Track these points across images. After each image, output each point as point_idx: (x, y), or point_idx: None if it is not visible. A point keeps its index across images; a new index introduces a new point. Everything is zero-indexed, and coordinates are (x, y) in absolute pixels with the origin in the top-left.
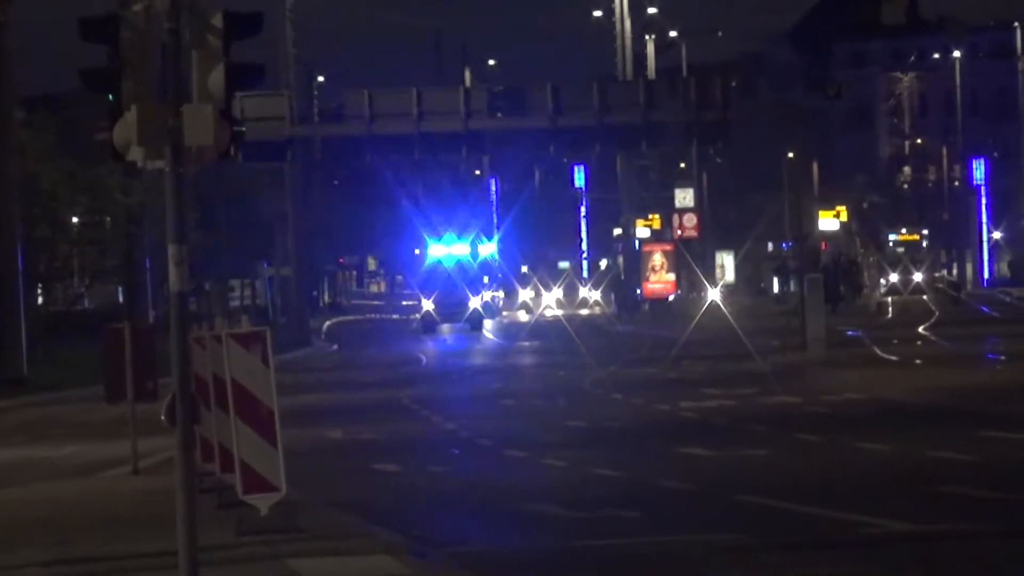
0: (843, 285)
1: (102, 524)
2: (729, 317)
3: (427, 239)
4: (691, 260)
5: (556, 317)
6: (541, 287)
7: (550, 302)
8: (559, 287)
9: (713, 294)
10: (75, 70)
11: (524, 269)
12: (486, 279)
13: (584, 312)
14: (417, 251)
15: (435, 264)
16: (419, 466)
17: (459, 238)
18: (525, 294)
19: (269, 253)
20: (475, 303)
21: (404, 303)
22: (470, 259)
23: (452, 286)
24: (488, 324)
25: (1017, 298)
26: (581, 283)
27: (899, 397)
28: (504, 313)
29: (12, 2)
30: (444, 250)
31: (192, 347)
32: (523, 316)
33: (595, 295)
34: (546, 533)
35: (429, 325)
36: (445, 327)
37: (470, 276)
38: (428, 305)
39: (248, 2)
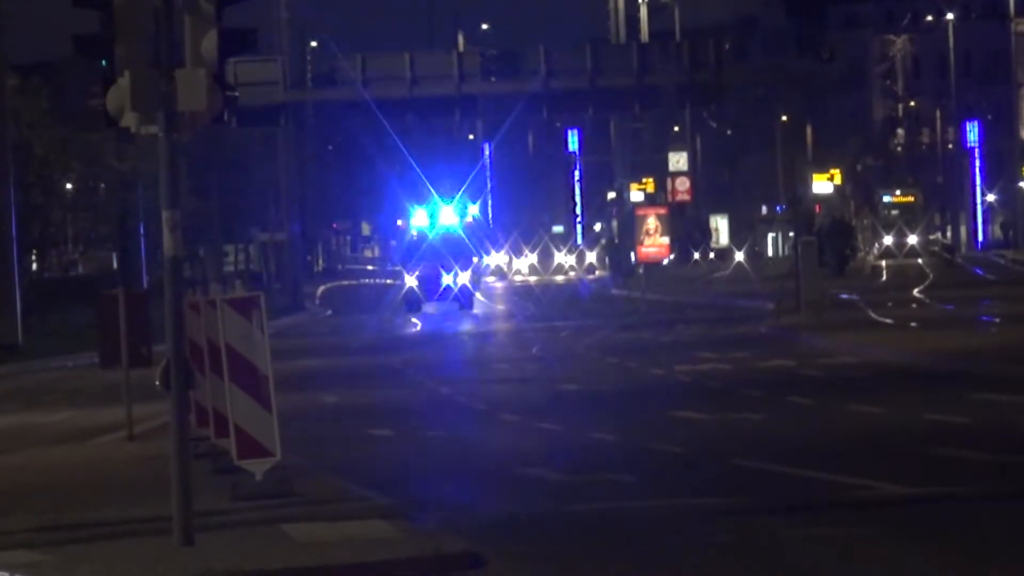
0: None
1: (97, 490)
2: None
3: (410, 207)
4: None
5: (525, 282)
6: (513, 253)
7: (521, 267)
8: (532, 252)
9: (739, 256)
10: (68, 37)
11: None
12: (476, 258)
13: (559, 278)
14: (400, 222)
15: (419, 235)
16: (414, 430)
17: (445, 203)
18: (498, 258)
19: (263, 218)
20: (464, 278)
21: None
22: (458, 228)
23: (438, 259)
24: (480, 297)
25: (1011, 260)
26: (568, 247)
27: (893, 360)
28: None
29: None
30: (428, 219)
31: (187, 312)
32: (495, 282)
33: (591, 257)
34: (541, 497)
35: (412, 304)
36: (430, 307)
37: (459, 247)
38: (411, 281)
39: None
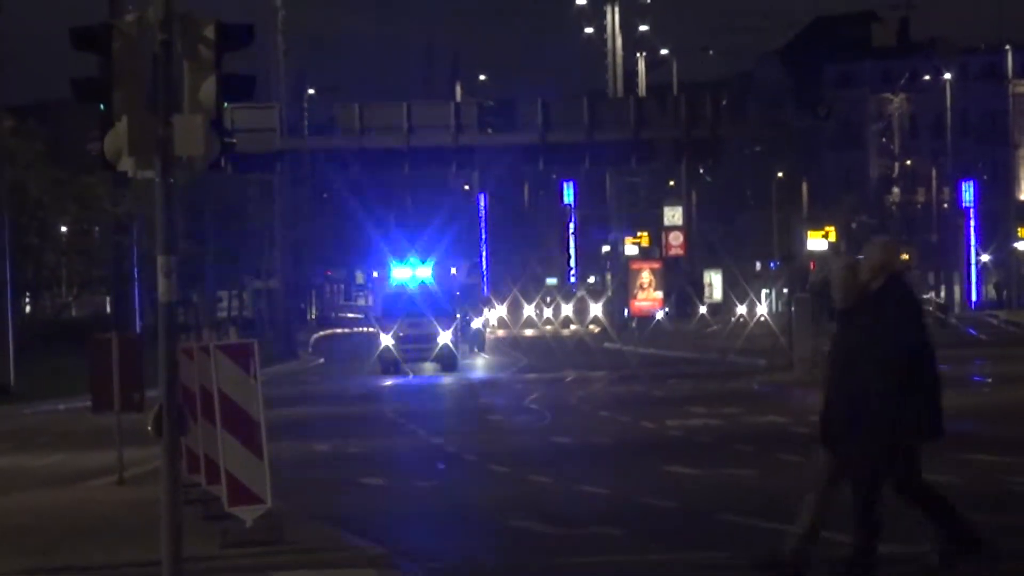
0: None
1: (86, 533)
2: (716, 336)
3: (390, 259)
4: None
5: (509, 334)
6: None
7: (492, 319)
8: (530, 304)
9: (761, 309)
10: (66, 79)
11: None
12: (459, 315)
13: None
14: (376, 273)
15: (398, 289)
16: (404, 480)
17: (423, 260)
18: (499, 311)
19: (257, 265)
20: (445, 338)
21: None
22: (431, 282)
23: (417, 315)
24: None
25: (1004, 321)
26: (548, 300)
27: None
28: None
29: (1, 10)
30: (409, 272)
31: (180, 358)
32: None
33: (598, 310)
34: (529, 549)
35: (388, 365)
36: (408, 368)
37: (438, 304)
38: (387, 340)
39: (240, 14)
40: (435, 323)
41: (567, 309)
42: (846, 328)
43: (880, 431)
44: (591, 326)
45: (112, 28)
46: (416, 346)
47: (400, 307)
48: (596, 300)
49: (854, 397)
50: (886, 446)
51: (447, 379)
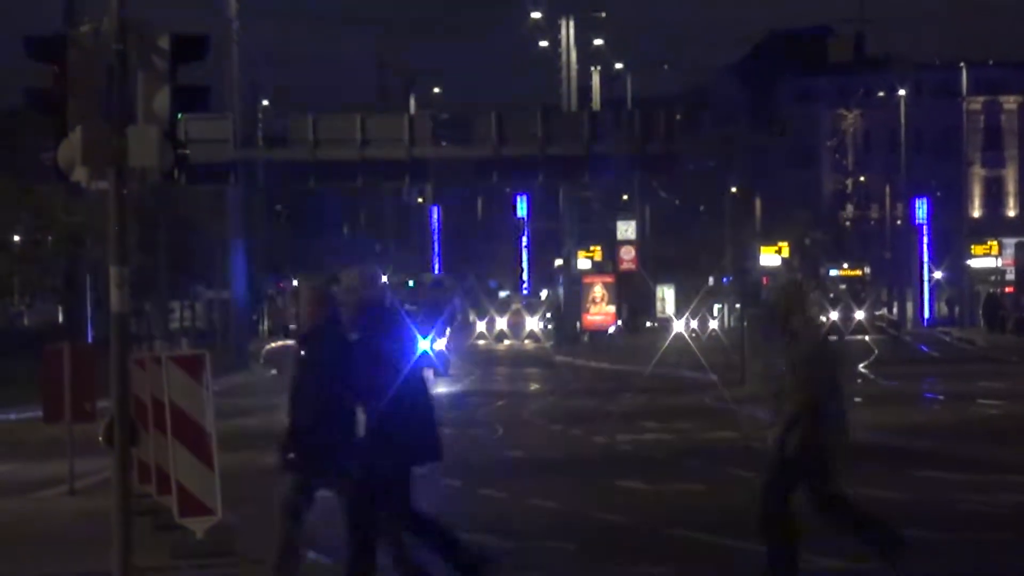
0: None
1: (37, 544)
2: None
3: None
4: (633, 293)
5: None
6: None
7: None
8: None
9: (713, 324)
10: (20, 88)
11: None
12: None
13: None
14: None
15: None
16: None
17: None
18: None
19: (210, 276)
20: (441, 344)
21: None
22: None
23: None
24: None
25: (956, 338)
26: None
27: None
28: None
29: None
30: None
31: (132, 369)
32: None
33: (535, 325)
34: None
35: None
36: None
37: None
38: None
39: (194, 25)
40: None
41: (501, 323)
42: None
43: None
44: (526, 341)
45: (67, 38)
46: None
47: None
48: (532, 314)
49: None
50: None
51: None
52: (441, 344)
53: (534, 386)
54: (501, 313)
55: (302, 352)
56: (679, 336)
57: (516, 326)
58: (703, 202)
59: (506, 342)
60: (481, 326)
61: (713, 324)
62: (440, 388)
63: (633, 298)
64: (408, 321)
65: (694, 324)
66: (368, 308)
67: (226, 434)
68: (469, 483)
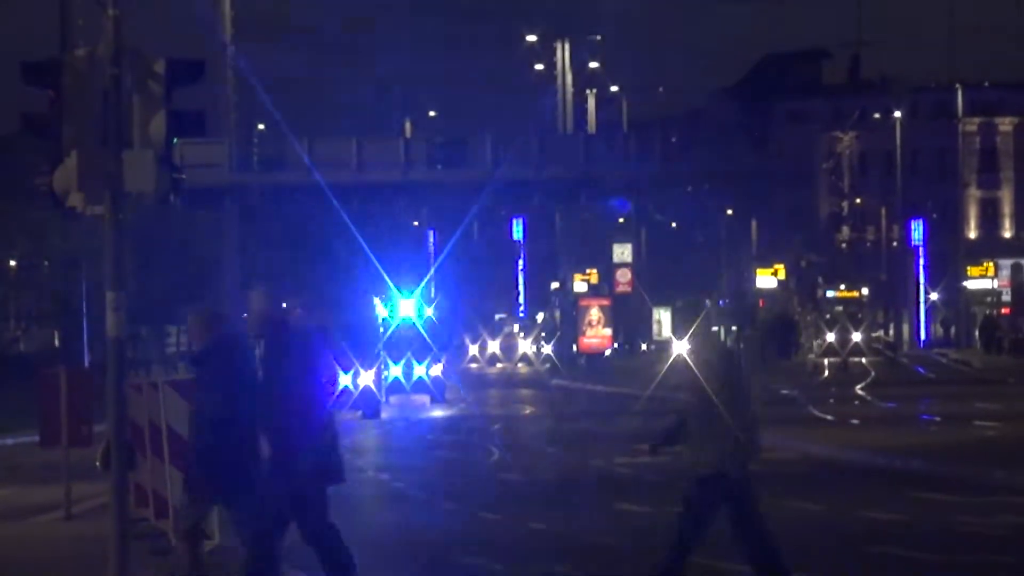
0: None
1: (34, 569)
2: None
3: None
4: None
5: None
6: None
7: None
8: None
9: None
10: (15, 113)
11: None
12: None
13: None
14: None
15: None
16: (352, 515)
17: (403, 295)
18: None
19: (206, 300)
20: (367, 379)
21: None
22: (416, 321)
23: (402, 353)
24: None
25: (953, 360)
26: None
27: (833, 456)
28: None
29: None
30: (386, 310)
31: (128, 393)
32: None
33: (528, 348)
34: None
35: (371, 407)
36: (395, 399)
37: (421, 340)
38: (366, 379)
39: (189, 50)
40: (355, 363)
41: (493, 346)
42: None
43: None
44: (519, 364)
45: (62, 63)
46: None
47: (387, 344)
48: (525, 337)
49: None
50: None
51: (398, 412)
52: (437, 370)
53: (529, 409)
54: (493, 336)
55: (196, 375)
56: (678, 358)
57: (509, 349)
58: (699, 224)
59: (499, 365)
60: (474, 349)
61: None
62: (436, 412)
63: (630, 321)
64: (317, 344)
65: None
66: (266, 329)
67: None
68: (465, 505)
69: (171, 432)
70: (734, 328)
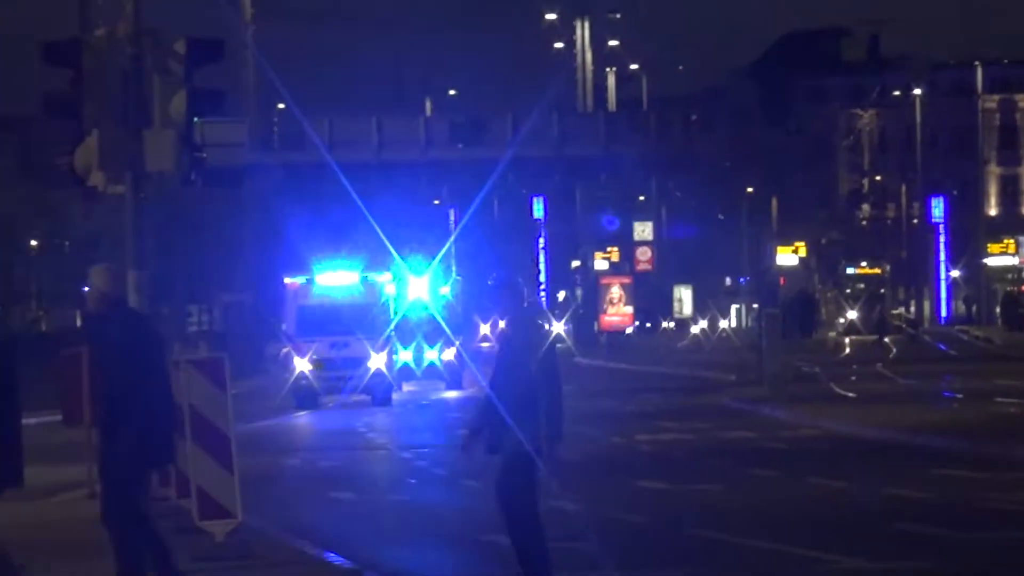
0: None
1: (56, 548)
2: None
3: (314, 264)
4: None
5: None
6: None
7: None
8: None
9: (724, 324)
10: (37, 92)
11: None
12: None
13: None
14: (289, 279)
15: (320, 299)
16: (376, 494)
17: (415, 274)
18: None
19: (227, 278)
20: (377, 362)
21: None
22: (427, 303)
23: (343, 333)
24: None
25: (974, 336)
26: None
27: (855, 433)
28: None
29: None
30: (336, 279)
31: None
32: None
33: (557, 326)
34: (501, 564)
35: (303, 397)
36: (328, 399)
37: (375, 320)
38: (303, 365)
39: (209, 29)
40: (366, 343)
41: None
42: None
43: None
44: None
45: (82, 43)
46: (339, 372)
47: (321, 321)
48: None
49: None
50: None
51: (421, 392)
52: (450, 354)
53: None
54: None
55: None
56: (698, 336)
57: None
58: (719, 202)
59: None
60: (485, 328)
61: (725, 324)
62: (455, 393)
63: (651, 299)
64: (142, 325)
65: (703, 324)
66: (105, 305)
67: (245, 436)
68: (488, 483)
69: (194, 411)
70: (755, 306)
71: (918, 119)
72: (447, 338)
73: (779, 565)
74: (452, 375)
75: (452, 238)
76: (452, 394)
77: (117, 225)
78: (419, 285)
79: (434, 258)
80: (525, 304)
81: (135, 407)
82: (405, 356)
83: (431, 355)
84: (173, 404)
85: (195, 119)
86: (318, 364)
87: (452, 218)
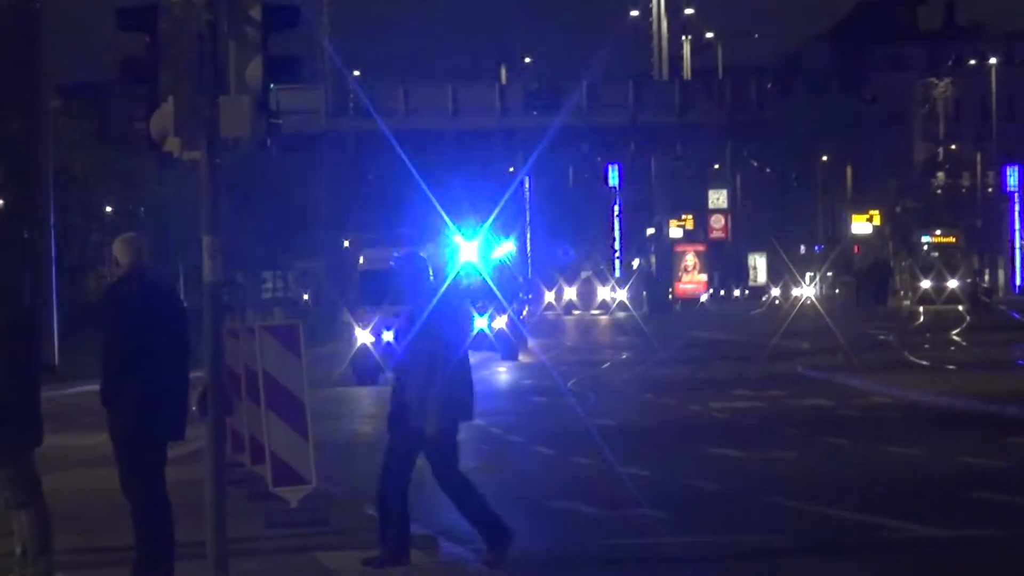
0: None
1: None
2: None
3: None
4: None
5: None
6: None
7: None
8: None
9: (800, 292)
10: (113, 59)
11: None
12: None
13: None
14: (348, 242)
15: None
16: None
17: (466, 237)
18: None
19: (302, 245)
20: (501, 323)
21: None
22: (480, 267)
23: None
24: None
25: None
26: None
27: (929, 401)
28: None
29: None
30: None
31: (225, 339)
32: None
33: (620, 294)
34: (575, 531)
35: (365, 372)
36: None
37: (484, 289)
38: (364, 337)
39: None
40: (490, 307)
41: (570, 292)
42: None
43: None
44: (595, 311)
45: (158, 8)
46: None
47: (387, 290)
48: (604, 283)
49: None
50: None
51: (493, 359)
52: (501, 323)
53: (624, 355)
54: (570, 282)
55: None
56: (772, 303)
57: (587, 295)
58: (794, 170)
59: (575, 312)
60: (550, 296)
61: (800, 292)
62: (529, 359)
63: (725, 266)
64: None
65: (799, 291)
66: (124, 275)
67: (320, 402)
68: (560, 451)
69: (267, 378)
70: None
71: (993, 88)
72: (499, 305)
73: (852, 532)
74: (505, 345)
75: (502, 201)
76: (531, 359)
77: (188, 191)
78: (470, 249)
79: (486, 224)
80: (433, 283)
81: (134, 381)
82: None
83: (480, 323)
84: (187, 379)
85: (271, 85)
86: (381, 335)
87: (527, 186)
